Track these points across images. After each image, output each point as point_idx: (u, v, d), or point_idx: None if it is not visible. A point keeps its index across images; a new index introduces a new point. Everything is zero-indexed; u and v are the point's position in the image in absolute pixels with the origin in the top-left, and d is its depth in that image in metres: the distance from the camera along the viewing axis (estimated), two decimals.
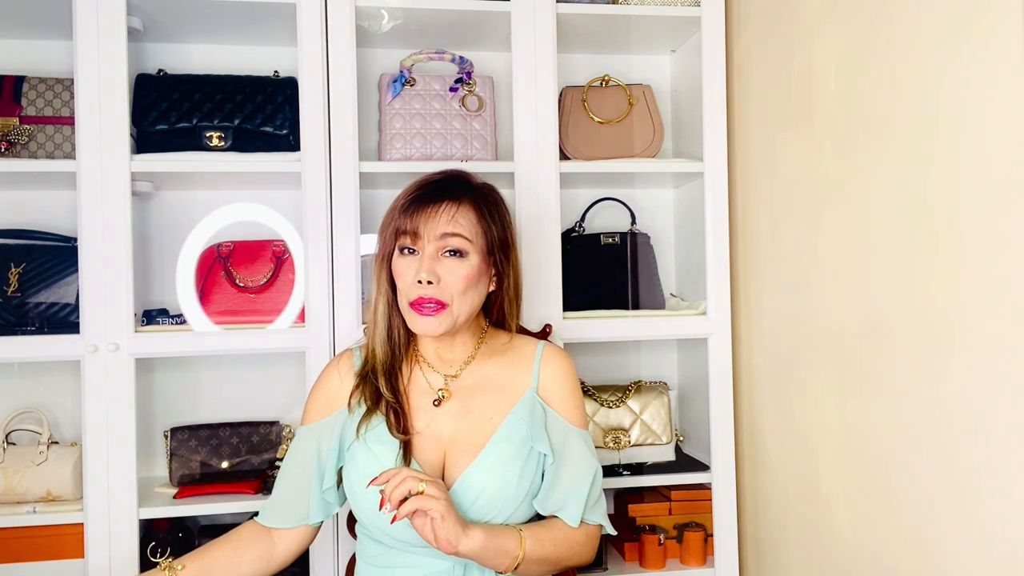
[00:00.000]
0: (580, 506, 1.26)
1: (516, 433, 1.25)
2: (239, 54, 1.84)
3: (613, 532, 1.36)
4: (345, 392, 1.31)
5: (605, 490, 2.00)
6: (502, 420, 1.26)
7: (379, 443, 1.24)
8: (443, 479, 1.25)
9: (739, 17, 1.75)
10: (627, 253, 1.87)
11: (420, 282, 1.20)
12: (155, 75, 1.71)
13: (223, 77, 1.72)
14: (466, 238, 1.22)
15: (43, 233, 1.70)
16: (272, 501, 1.33)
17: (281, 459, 1.74)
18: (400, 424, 1.26)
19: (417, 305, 1.22)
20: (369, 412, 1.27)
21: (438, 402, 1.29)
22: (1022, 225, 1.00)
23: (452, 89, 1.74)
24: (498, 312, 1.35)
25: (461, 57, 1.74)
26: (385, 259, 1.27)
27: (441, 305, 1.21)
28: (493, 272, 1.29)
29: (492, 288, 1.30)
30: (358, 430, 1.26)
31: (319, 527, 1.34)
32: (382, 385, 1.28)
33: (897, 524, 1.25)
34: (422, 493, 1.11)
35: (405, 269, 1.23)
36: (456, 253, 1.22)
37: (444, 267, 1.22)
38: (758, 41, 1.68)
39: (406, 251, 1.23)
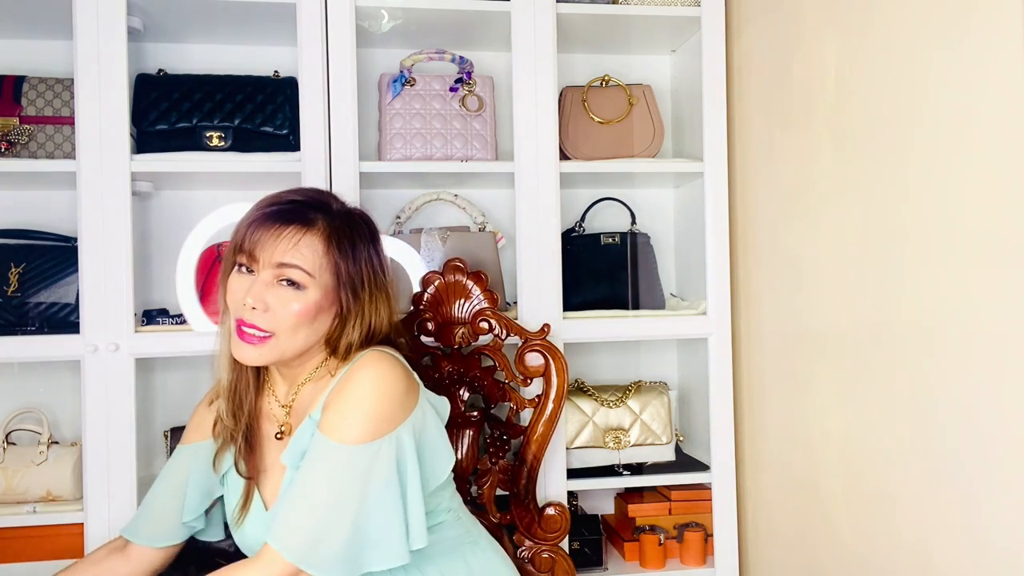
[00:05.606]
0: (281, 522, 1.06)
1: (299, 458, 1.13)
2: (239, 54, 1.84)
3: None
4: (211, 420, 1.25)
5: (605, 490, 2.02)
6: None
7: (235, 478, 1.20)
8: None
9: (739, 17, 1.75)
10: (627, 253, 1.87)
11: (246, 305, 1.11)
12: (155, 75, 1.71)
13: (223, 77, 1.72)
14: (306, 271, 1.11)
15: (43, 233, 1.70)
16: (136, 515, 1.27)
17: None
18: (246, 457, 1.19)
19: (240, 329, 1.12)
20: (225, 444, 1.21)
21: (280, 436, 1.21)
22: (1023, 224, 1.00)
23: (452, 89, 1.74)
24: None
25: (461, 57, 1.74)
26: (226, 274, 1.17)
27: (266, 335, 1.11)
28: (339, 309, 1.16)
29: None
30: (214, 464, 1.22)
31: (174, 550, 1.28)
32: (225, 413, 1.19)
33: (896, 524, 1.25)
34: None
35: (237, 287, 1.13)
36: (292, 284, 1.11)
37: (276, 296, 1.11)
38: (758, 41, 1.68)
39: (243, 269, 1.14)
